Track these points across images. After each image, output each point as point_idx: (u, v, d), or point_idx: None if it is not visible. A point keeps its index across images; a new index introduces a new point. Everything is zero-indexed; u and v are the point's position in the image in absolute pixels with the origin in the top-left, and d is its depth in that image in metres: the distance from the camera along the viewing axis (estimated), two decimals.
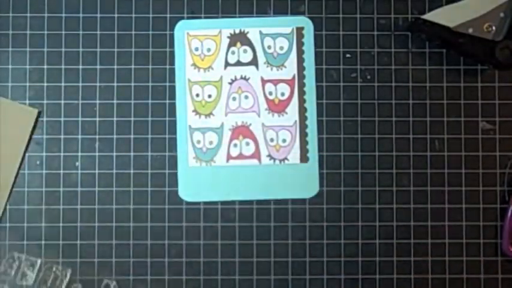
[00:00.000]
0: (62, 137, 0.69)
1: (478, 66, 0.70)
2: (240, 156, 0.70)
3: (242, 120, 0.70)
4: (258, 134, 0.70)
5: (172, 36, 0.70)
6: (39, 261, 0.66)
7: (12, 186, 0.69)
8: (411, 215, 0.69)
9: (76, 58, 0.70)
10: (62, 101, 0.70)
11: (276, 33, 0.70)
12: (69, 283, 0.67)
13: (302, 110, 0.70)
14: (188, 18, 0.71)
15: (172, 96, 0.70)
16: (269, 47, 0.70)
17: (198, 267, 0.69)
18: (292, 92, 0.70)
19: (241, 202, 0.69)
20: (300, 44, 0.70)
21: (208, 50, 0.70)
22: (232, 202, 0.69)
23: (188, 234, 0.69)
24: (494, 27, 0.67)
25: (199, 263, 0.69)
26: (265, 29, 0.71)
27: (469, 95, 0.70)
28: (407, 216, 0.69)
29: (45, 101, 0.70)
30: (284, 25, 0.70)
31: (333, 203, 0.69)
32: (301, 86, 0.70)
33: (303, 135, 0.70)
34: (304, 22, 0.70)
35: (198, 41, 0.70)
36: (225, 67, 0.70)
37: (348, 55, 0.70)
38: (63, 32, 0.70)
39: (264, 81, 0.70)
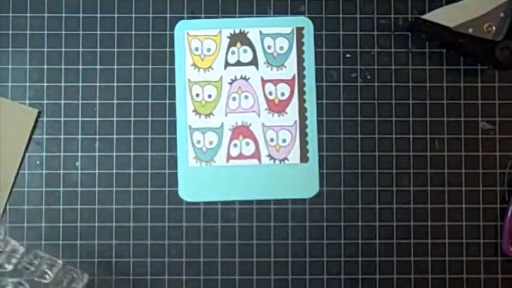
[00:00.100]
0: (62, 137, 0.69)
1: (478, 66, 0.70)
2: (240, 156, 0.70)
3: (242, 120, 0.70)
4: (258, 134, 0.70)
5: (172, 36, 0.70)
6: (60, 262, 0.66)
7: (12, 186, 0.69)
8: (411, 215, 0.69)
9: (76, 58, 0.70)
10: (62, 101, 0.70)
11: (276, 33, 0.70)
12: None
13: (302, 110, 0.70)
14: (188, 18, 0.71)
15: (172, 96, 0.70)
16: (269, 47, 0.70)
17: (198, 267, 0.69)
18: (292, 92, 0.70)
19: (241, 202, 0.69)
20: (300, 44, 0.70)
21: (208, 50, 0.70)
22: (232, 202, 0.69)
23: (188, 234, 0.69)
24: (494, 27, 0.67)
25: (199, 263, 0.69)
26: (265, 29, 0.70)
27: (469, 95, 0.70)
28: (407, 216, 0.69)
29: (45, 101, 0.70)
30: (284, 25, 0.70)
31: (333, 203, 0.69)
32: (301, 86, 0.70)
33: (303, 135, 0.70)
34: (304, 22, 0.70)
35: (198, 41, 0.70)
36: (225, 67, 0.70)
37: (348, 55, 0.70)
38: (63, 32, 0.70)
39: (264, 81, 0.70)
